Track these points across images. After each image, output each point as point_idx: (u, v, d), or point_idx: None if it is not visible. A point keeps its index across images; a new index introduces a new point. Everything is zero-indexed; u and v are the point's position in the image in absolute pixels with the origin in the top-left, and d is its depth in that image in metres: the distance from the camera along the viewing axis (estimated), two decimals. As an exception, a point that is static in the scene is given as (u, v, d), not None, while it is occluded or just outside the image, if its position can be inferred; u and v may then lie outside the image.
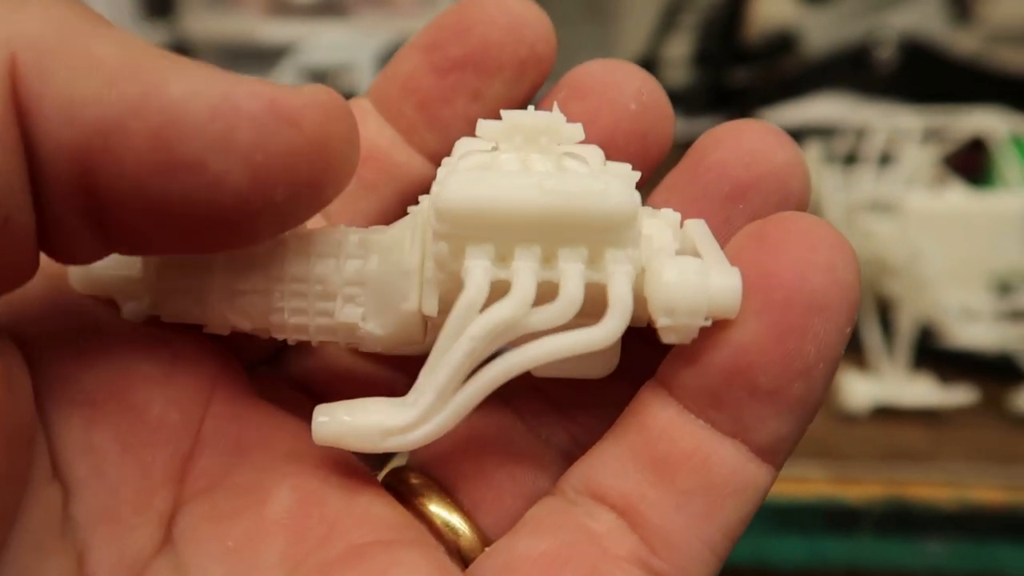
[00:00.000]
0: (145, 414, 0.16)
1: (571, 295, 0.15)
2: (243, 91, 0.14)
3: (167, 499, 0.16)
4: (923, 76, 0.73)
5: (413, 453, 0.19)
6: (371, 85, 0.21)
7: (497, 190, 0.15)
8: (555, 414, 0.19)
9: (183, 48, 0.77)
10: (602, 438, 0.17)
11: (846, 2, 0.81)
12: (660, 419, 0.16)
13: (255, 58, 0.62)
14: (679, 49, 0.82)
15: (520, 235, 0.15)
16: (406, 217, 0.18)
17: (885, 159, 0.53)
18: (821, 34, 0.81)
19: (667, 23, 0.80)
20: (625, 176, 0.17)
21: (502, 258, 0.15)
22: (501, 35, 0.19)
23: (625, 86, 0.19)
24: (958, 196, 0.49)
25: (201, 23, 0.74)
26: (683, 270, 0.15)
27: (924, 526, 0.42)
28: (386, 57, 0.61)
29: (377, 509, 0.17)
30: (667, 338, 0.15)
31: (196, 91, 0.14)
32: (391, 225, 0.18)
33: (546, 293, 0.15)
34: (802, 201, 0.18)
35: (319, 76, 0.60)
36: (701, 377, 0.16)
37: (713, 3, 0.82)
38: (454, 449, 0.19)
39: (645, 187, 0.18)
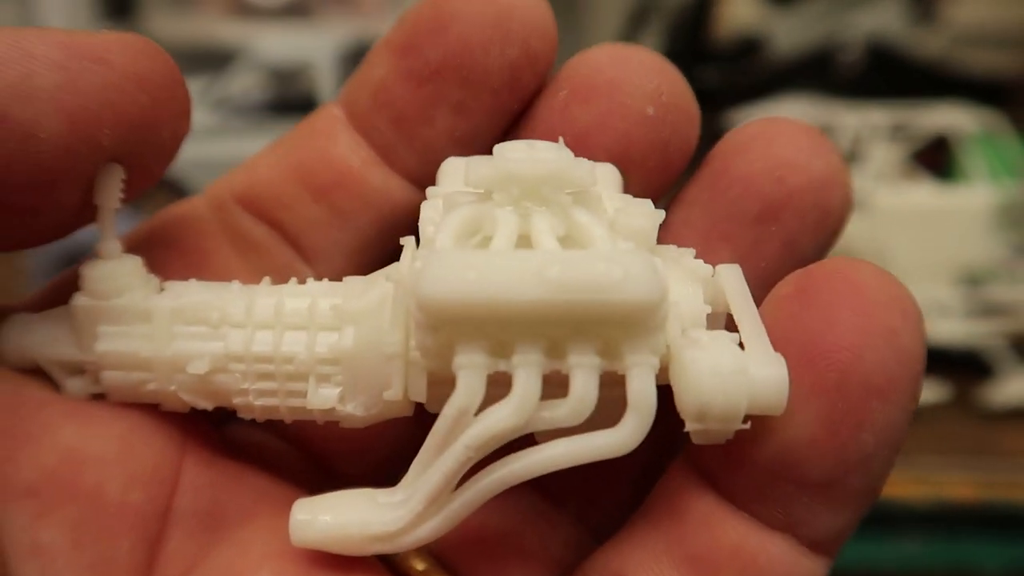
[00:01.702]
0: (101, 499, 0.14)
1: (583, 396, 0.13)
2: (32, 37, 0.13)
3: None
4: (888, 78, 0.73)
5: None
6: (343, 89, 0.18)
7: (488, 282, 0.12)
8: (568, 493, 0.17)
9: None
10: (631, 522, 0.15)
11: (812, 5, 0.82)
12: (697, 508, 0.14)
13: (215, 59, 0.61)
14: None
15: (520, 329, 0.13)
16: (383, 281, 0.15)
17: (852, 156, 0.53)
18: (787, 37, 0.82)
19: (635, 25, 0.80)
20: (645, 235, 0.14)
21: (500, 347, 0.13)
22: (486, 32, 0.16)
23: (639, 84, 0.16)
24: (926, 192, 0.49)
25: (161, 23, 0.72)
26: (718, 366, 0.13)
27: (898, 524, 0.42)
28: (348, 58, 0.60)
29: None
30: (698, 440, 0.13)
31: None
32: (367, 281, 0.15)
33: (555, 381, 0.13)
34: (842, 219, 0.16)
35: (278, 76, 0.59)
36: (742, 472, 0.14)
37: (680, 6, 0.82)
38: (462, 527, 0.17)
39: (662, 201, 0.16)
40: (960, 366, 0.48)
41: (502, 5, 0.16)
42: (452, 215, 0.14)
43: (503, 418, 0.13)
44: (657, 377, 0.13)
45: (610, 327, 0.13)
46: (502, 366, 0.13)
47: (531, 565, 0.17)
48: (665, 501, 0.15)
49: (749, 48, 0.84)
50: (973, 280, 0.48)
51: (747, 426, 0.13)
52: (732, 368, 0.13)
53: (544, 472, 0.13)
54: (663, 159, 0.16)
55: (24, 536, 0.14)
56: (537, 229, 0.14)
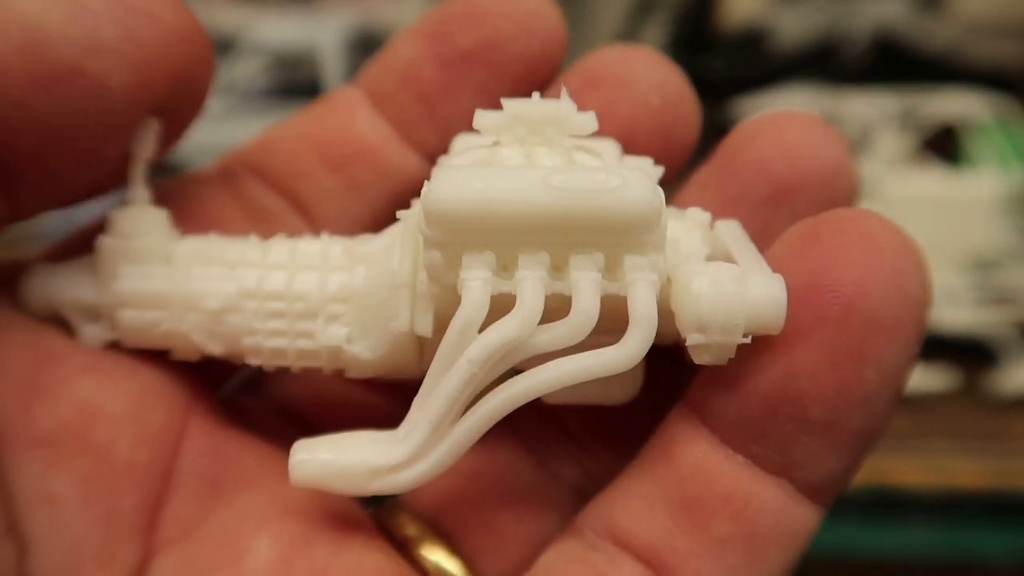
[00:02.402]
0: (110, 456, 0.15)
1: (585, 310, 0.13)
2: None
3: (135, 551, 0.15)
4: (894, 68, 0.73)
5: (411, 491, 0.17)
6: (362, 74, 0.19)
7: (495, 188, 0.13)
8: (567, 446, 0.17)
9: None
10: (625, 471, 0.15)
11: (818, -6, 0.81)
12: (692, 453, 0.14)
13: (219, 44, 0.61)
14: (652, 39, 0.81)
15: (525, 240, 0.13)
16: (396, 223, 0.16)
17: (861, 144, 0.53)
18: (792, 26, 0.81)
19: (640, 14, 0.80)
20: (646, 170, 0.15)
21: (504, 267, 0.13)
22: (513, 28, 0.17)
23: (645, 77, 0.17)
24: (934, 179, 0.49)
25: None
26: (717, 278, 0.13)
27: (905, 511, 0.42)
28: (353, 44, 0.60)
29: (369, 558, 0.16)
30: (699, 358, 0.13)
31: (46, 4, 0.14)
32: (381, 233, 0.16)
33: (556, 307, 0.13)
34: (849, 205, 0.16)
35: (282, 62, 0.58)
36: (741, 406, 0.14)
37: (685, -4, 0.81)
38: (454, 487, 0.17)
39: (668, 188, 0.16)
40: (968, 353, 0.47)
41: (529, 8, 0.18)
42: (460, 149, 0.15)
43: (507, 329, 0.13)
44: (660, 307, 0.13)
45: (611, 237, 0.13)
46: (506, 287, 0.13)
47: (527, 522, 0.17)
48: (661, 448, 0.15)
49: (754, 38, 0.83)
50: (982, 267, 0.48)
51: (748, 340, 0.13)
52: (731, 280, 0.13)
53: (548, 391, 0.13)
54: (666, 147, 0.17)
55: (36, 484, 0.14)
56: (541, 158, 0.14)
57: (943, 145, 0.54)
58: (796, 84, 0.73)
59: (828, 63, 0.76)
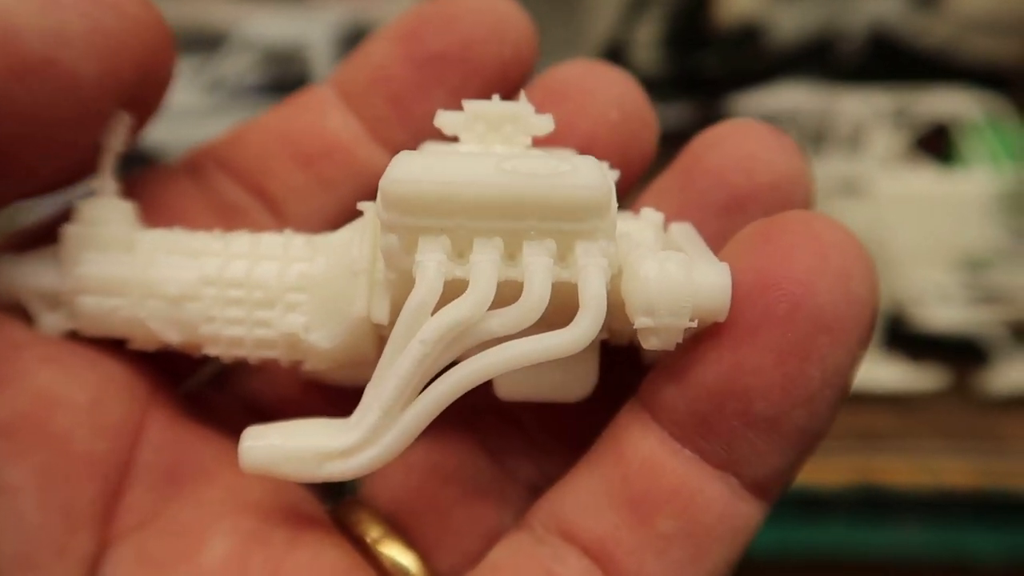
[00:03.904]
0: (68, 446, 0.15)
1: (536, 293, 0.13)
2: None
3: (91, 540, 0.15)
4: (890, 65, 0.73)
5: (367, 486, 0.18)
6: (334, 73, 0.19)
7: (451, 171, 0.13)
8: (523, 443, 0.18)
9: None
10: (576, 466, 0.16)
11: (813, -9, 0.81)
12: (640, 449, 0.14)
13: (208, 40, 0.60)
14: (647, 35, 0.81)
15: (479, 226, 0.13)
16: (359, 217, 0.16)
17: (854, 142, 0.53)
18: (788, 23, 0.81)
19: (635, 9, 0.80)
20: (596, 164, 0.15)
21: (460, 254, 0.14)
22: (485, 32, 0.18)
23: (605, 91, 0.18)
24: (927, 177, 0.49)
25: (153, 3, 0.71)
26: (664, 263, 0.13)
27: (895, 511, 0.42)
28: (343, 40, 0.59)
29: (324, 553, 0.16)
30: (648, 342, 0.14)
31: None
32: (344, 227, 0.16)
33: (510, 295, 0.13)
34: None
35: (272, 58, 0.58)
36: (689, 398, 0.14)
37: (680, -9, 0.81)
38: (412, 483, 0.17)
39: (627, 197, 0.17)
40: (959, 352, 0.47)
41: (500, 12, 0.18)
42: (421, 147, 0.15)
43: (459, 310, 0.13)
44: (610, 295, 0.13)
45: (562, 223, 0.13)
46: (460, 272, 0.13)
47: (482, 517, 0.17)
48: (610, 442, 0.15)
49: (749, 34, 0.83)
50: (973, 266, 0.48)
51: (694, 324, 0.13)
52: (678, 265, 0.13)
53: (499, 372, 0.13)
54: (623, 159, 0.17)
55: None
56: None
57: (936, 144, 0.54)
58: (791, 81, 0.73)
59: (823, 60, 0.76)
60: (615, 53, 0.74)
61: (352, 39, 0.59)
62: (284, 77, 0.58)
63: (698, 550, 0.14)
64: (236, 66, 0.58)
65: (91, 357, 0.16)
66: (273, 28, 0.59)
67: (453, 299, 0.13)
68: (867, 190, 0.48)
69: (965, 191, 0.48)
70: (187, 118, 0.50)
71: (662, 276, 0.13)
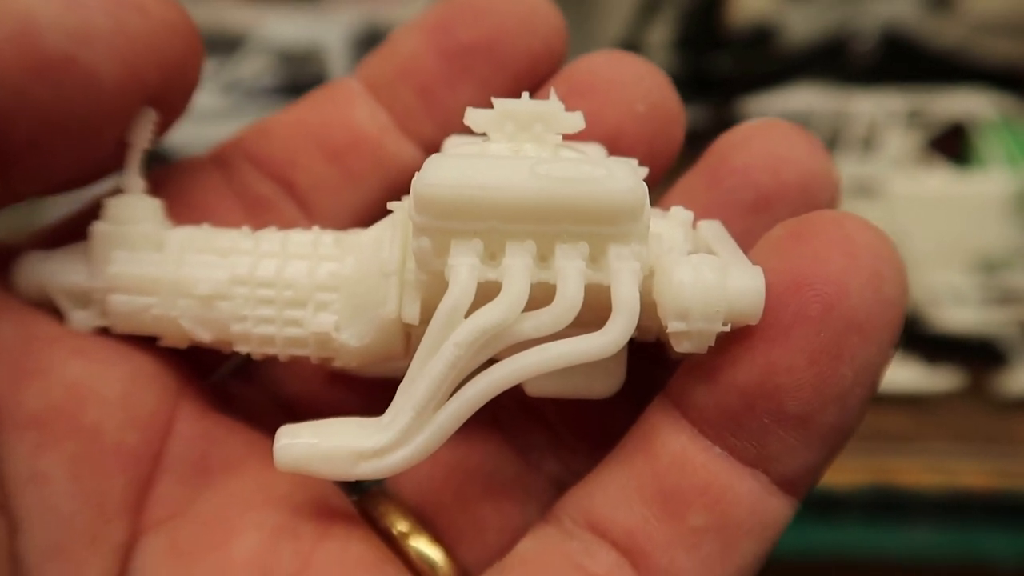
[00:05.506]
0: (99, 437, 0.15)
1: (569, 297, 0.13)
2: None
3: (123, 530, 0.15)
4: (903, 67, 0.73)
5: (392, 480, 0.18)
6: (362, 65, 0.19)
7: (484, 175, 0.13)
8: (549, 438, 0.18)
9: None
10: (605, 461, 0.16)
11: (826, -8, 0.81)
12: (671, 445, 0.14)
13: (225, 42, 0.61)
14: (660, 36, 0.81)
15: (512, 229, 0.13)
16: (388, 216, 0.16)
17: (868, 143, 0.53)
18: (801, 24, 0.81)
19: (647, 11, 0.80)
20: (631, 165, 0.15)
21: (492, 256, 0.14)
22: (516, 25, 0.18)
23: (632, 84, 0.17)
24: (942, 178, 0.49)
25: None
26: (698, 268, 0.13)
27: (910, 512, 0.42)
28: (359, 41, 0.60)
29: (352, 546, 0.16)
30: (680, 346, 0.14)
31: None
32: (373, 226, 0.16)
33: (542, 297, 0.13)
34: None
35: (288, 60, 0.59)
36: (720, 397, 0.14)
37: (693, -7, 0.81)
38: (437, 476, 0.17)
39: (653, 192, 0.17)
40: (975, 354, 0.47)
41: (530, 5, 0.18)
42: (449, 146, 0.15)
43: (493, 313, 0.13)
44: (642, 299, 0.13)
45: (595, 226, 0.13)
46: (492, 275, 0.13)
47: (507, 511, 0.17)
48: (640, 438, 0.15)
49: (762, 36, 0.83)
50: (989, 267, 0.47)
51: (727, 328, 0.13)
52: (712, 269, 0.13)
53: (532, 375, 0.13)
54: (650, 152, 0.17)
55: (25, 464, 0.14)
56: (528, 152, 0.15)
57: (951, 144, 0.54)
58: (804, 82, 0.73)
59: (837, 61, 0.76)
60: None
61: (367, 41, 0.59)
62: (300, 79, 0.59)
63: (728, 545, 0.14)
64: (253, 68, 0.58)
65: (121, 350, 0.16)
66: (289, 30, 0.59)
67: (485, 300, 0.13)
68: (882, 191, 0.48)
69: (980, 192, 0.48)
70: (204, 119, 0.50)
71: (697, 282, 0.13)
